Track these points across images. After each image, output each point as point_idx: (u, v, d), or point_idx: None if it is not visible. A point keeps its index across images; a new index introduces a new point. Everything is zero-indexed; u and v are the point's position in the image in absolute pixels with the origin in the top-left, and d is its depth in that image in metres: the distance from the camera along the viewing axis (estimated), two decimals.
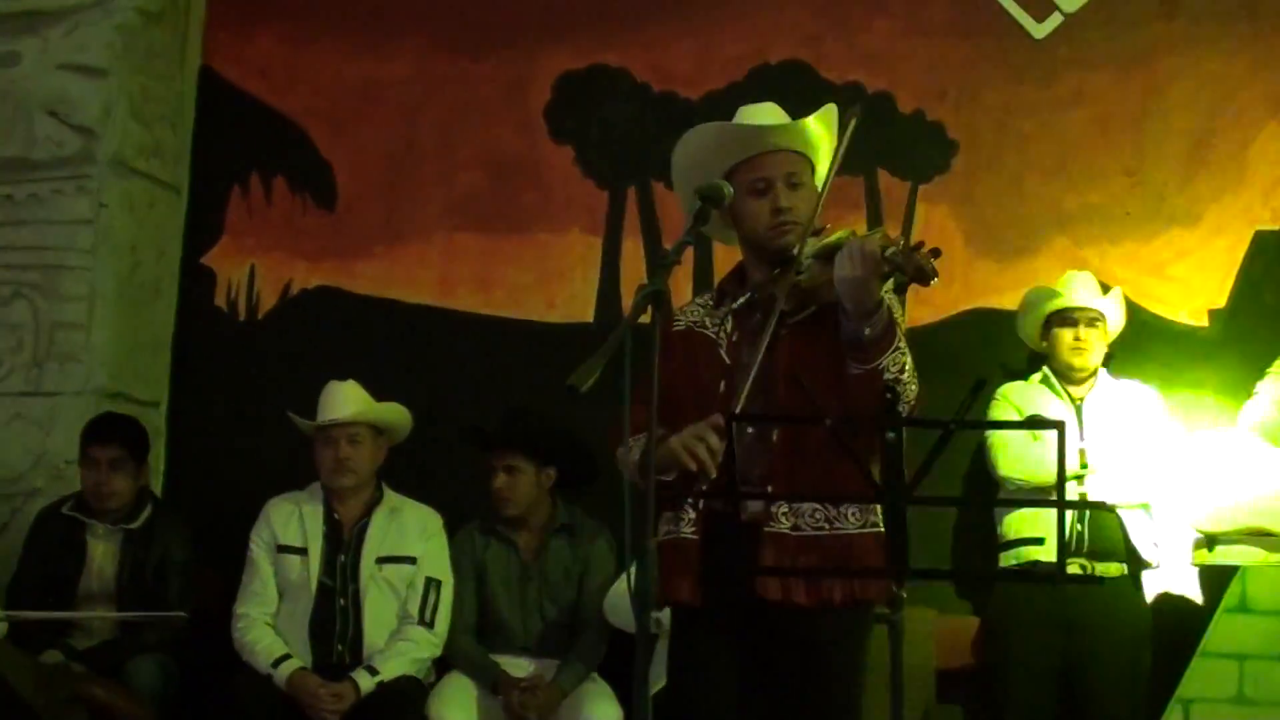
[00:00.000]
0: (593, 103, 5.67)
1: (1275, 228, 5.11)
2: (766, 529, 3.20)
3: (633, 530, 2.76)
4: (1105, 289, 4.93)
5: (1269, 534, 4.52)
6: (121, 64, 5.53)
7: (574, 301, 5.61)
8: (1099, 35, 5.28)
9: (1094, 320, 4.87)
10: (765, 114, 3.39)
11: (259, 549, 4.98)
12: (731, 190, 3.17)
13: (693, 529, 3.28)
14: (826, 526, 3.22)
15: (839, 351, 3.14)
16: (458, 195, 5.73)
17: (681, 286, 5.42)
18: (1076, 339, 4.84)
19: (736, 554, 3.19)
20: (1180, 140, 5.21)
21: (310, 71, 5.86)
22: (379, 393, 5.09)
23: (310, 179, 5.84)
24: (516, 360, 5.58)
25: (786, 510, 3.20)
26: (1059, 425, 2.72)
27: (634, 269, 5.57)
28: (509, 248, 5.67)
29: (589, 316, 5.58)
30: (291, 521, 4.98)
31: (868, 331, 3.03)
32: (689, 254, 5.34)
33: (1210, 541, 4.57)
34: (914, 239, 5.02)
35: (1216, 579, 4.53)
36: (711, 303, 3.45)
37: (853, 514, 3.23)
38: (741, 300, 3.33)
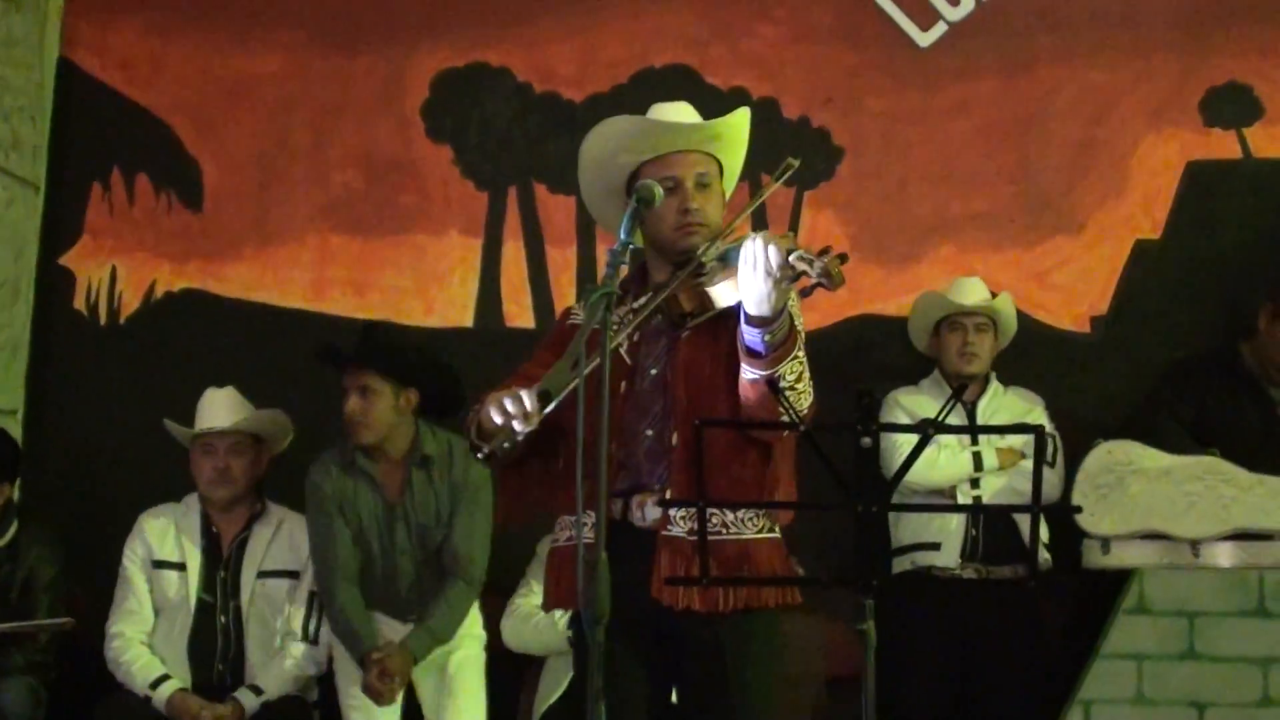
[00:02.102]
0: (472, 102, 5.54)
1: (1155, 237, 5.25)
2: (664, 533, 3.13)
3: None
4: (994, 295, 4.98)
5: (1164, 536, 4.61)
6: None
7: (453, 305, 5.48)
8: (983, 45, 5.36)
9: (983, 325, 4.92)
10: (678, 113, 3.31)
11: (133, 565, 4.75)
12: (662, 192, 3.10)
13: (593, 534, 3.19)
14: (724, 531, 3.15)
15: (735, 356, 3.07)
16: (331, 196, 5.55)
17: (566, 288, 5.38)
18: (966, 343, 4.89)
19: (634, 560, 3.10)
20: (1063, 149, 5.32)
21: (176, 65, 5.59)
22: (249, 400, 4.90)
23: (175, 177, 5.57)
24: None
25: (684, 515, 3.12)
26: (1038, 430, 2.70)
27: (515, 271, 5.48)
28: (385, 250, 5.51)
29: (469, 321, 5.47)
30: (168, 535, 4.77)
31: (767, 338, 2.95)
32: (576, 252, 5.42)
33: (1105, 544, 4.64)
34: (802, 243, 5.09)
35: (1115, 582, 4.59)
36: None
37: (750, 520, 3.17)
38: (643, 300, 3.24)
